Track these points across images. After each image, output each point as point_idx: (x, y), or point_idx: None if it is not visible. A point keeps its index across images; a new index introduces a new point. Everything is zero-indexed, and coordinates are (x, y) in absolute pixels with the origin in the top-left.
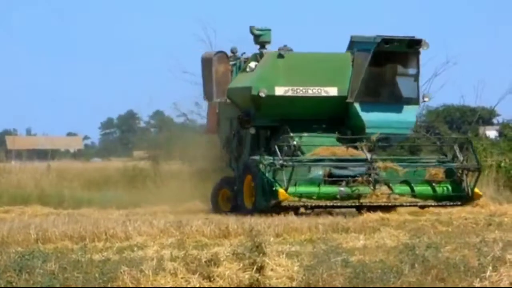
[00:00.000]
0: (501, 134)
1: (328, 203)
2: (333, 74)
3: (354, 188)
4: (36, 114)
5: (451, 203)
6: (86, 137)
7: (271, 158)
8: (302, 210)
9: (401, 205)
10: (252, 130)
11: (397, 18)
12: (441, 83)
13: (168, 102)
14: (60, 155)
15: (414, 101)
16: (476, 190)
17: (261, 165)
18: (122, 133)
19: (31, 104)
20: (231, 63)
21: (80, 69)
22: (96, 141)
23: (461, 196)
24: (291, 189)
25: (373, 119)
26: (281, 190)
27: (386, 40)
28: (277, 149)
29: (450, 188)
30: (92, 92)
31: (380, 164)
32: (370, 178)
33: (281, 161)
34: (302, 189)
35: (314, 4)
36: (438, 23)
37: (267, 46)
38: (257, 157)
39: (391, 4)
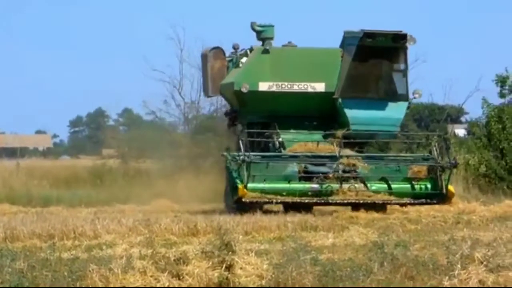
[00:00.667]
0: (469, 132)
1: (296, 199)
2: (321, 69)
3: (326, 185)
4: (4, 112)
5: (428, 202)
6: (55, 135)
7: (236, 154)
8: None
9: (373, 203)
10: (239, 127)
11: (369, 15)
12: (410, 80)
13: (137, 100)
14: (29, 154)
15: (403, 97)
16: (450, 187)
17: (227, 162)
18: (91, 131)
19: None
20: (228, 59)
21: (48, 67)
22: (65, 139)
23: (438, 194)
24: (251, 185)
25: (358, 115)
26: (240, 186)
27: (368, 34)
28: (240, 144)
29: (429, 186)
30: (61, 90)
31: (344, 160)
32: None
33: (241, 157)
34: (265, 185)
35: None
36: (406, 21)
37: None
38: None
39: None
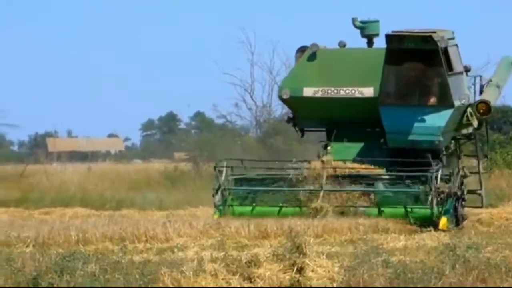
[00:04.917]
0: None
1: None
2: (371, 73)
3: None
4: (76, 116)
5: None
6: (126, 139)
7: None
8: None
9: None
10: (299, 134)
11: (433, 15)
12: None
13: (209, 103)
14: (101, 157)
15: (445, 103)
16: (443, 220)
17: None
18: (163, 135)
19: (72, 106)
20: None
21: (120, 71)
22: (137, 142)
23: (431, 223)
24: (229, 208)
25: (394, 124)
26: (215, 212)
27: (391, 37)
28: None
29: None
30: (133, 93)
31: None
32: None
33: (219, 182)
34: (241, 209)
35: None
36: (478, 23)
37: (375, 39)
38: None
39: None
